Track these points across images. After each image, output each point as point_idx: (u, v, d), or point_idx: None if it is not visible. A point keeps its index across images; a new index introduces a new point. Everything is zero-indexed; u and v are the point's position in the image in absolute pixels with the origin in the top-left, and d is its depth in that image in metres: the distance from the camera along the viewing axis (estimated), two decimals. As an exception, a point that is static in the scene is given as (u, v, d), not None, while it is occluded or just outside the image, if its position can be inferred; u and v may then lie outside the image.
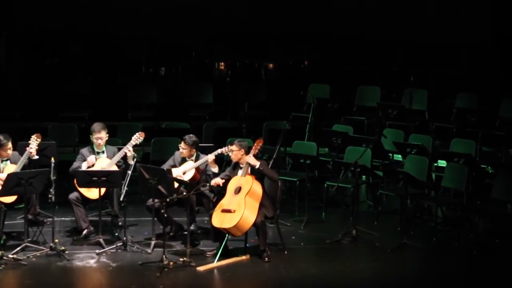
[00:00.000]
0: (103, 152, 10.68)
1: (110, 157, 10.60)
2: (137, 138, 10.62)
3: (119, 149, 10.58)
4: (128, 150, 10.44)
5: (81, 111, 14.29)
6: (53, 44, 15.84)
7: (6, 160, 10.31)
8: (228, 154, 10.37)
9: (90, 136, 10.69)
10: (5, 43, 15.64)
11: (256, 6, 16.09)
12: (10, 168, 10.18)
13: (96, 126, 10.69)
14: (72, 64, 15.68)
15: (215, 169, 10.41)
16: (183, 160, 10.60)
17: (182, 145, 10.56)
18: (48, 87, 15.11)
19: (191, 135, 10.65)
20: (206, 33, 16.08)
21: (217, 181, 10.08)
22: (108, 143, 10.78)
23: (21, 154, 10.31)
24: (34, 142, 10.29)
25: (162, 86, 15.45)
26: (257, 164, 9.87)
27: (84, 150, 10.72)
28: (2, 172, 10.19)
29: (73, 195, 10.41)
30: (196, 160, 10.54)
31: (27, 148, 10.25)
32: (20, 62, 15.68)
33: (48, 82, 15.25)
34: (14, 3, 15.62)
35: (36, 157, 10.29)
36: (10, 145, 10.30)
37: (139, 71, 15.91)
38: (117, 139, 12.22)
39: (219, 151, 10.44)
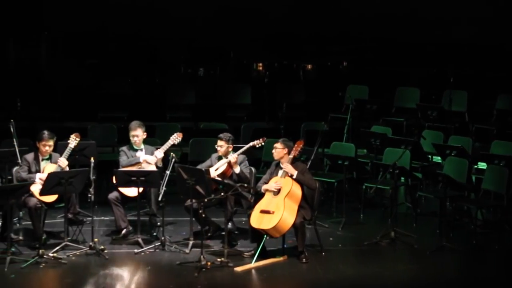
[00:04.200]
0: (141, 150, 10.76)
1: (148, 156, 10.71)
2: (175, 138, 10.69)
3: (157, 149, 10.65)
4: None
5: (120, 112, 14.37)
6: (92, 45, 15.95)
7: (48, 159, 10.41)
8: (259, 146, 10.43)
9: (129, 134, 10.78)
10: (46, 44, 15.81)
11: (293, 8, 16.05)
12: (51, 167, 10.27)
13: (133, 124, 10.79)
14: (111, 65, 15.78)
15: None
16: (220, 159, 10.62)
17: (218, 142, 10.57)
18: (88, 87, 15.24)
19: (225, 132, 10.69)
20: (245, 34, 16.08)
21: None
22: (146, 143, 10.85)
23: (61, 155, 10.40)
24: (73, 142, 10.39)
25: (201, 87, 15.48)
26: (294, 173, 9.82)
27: (125, 148, 10.83)
28: (43, 172, 10.29)
29: (112, 195, 10.49)
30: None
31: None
32: (60, 63, 15.82)
33: (88, 82, 15.38)
34: (55, 5, 15.75)
35: (66, 163, 10.29)
36: (51, 143, 10.37)
37: (177, 72, 15.96)
38: (155, 139, 12.28)
39: (251, 144, 10.47)
